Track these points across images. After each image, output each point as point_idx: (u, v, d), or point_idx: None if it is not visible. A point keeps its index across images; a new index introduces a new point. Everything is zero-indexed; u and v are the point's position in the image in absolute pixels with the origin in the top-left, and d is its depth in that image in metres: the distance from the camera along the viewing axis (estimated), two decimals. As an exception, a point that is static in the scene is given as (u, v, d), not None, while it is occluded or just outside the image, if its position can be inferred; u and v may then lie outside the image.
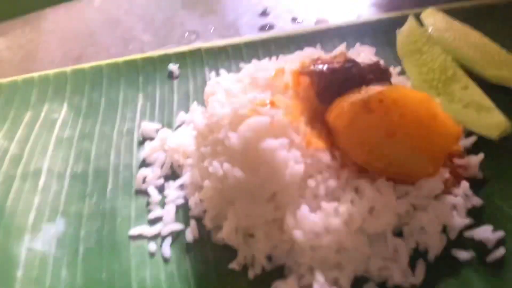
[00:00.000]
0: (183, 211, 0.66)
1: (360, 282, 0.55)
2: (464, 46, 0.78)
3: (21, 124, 0.82)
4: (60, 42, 1.05)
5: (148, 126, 0.78)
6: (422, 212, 0.57)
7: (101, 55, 0.97)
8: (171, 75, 0.89)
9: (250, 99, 0.60)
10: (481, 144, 0.66)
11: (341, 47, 0.75)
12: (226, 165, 0.57)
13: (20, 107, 0.85)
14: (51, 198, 0.69)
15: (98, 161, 0.75)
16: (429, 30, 0.82)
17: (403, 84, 0.73)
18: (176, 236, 0.63)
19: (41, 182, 0.71)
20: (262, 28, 1.01)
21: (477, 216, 0.60)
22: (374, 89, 0.57)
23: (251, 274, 0.57)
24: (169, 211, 0.65)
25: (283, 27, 1.00)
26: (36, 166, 0.74)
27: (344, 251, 0.55)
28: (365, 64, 0.64)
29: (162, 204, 0.67)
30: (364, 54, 0.74)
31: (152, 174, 0.70)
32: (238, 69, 0.80)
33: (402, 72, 0.79)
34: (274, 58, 0.72)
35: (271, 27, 1.01)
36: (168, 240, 0.62)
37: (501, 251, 0.55)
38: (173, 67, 0.89)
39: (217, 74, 0.81)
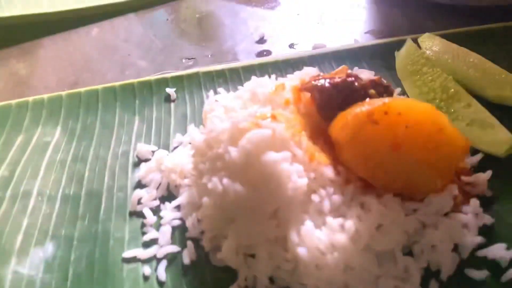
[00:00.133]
0: (179, 233, 0.62)
1: (369, 304, 0.51)
2: (463, 67, 0.78)
3: (12, 147, 0.79)
4: (55, 69, 1.04)
5: (144, 148, 0.75)
6: (432, 230, 0.54)
7: (97, 81, 0.95)
8: (168, 99, 0.87)
9: (250, 113, 0.59)
10: (487, 162, 0.64)
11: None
12: (226, 181, 0.54)
13: (13, 131, 0.83)
14: (40, 221, 0.66)
15: (92, 184, 0.72)
16: (428, 52, 0.82)
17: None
18: (172, 258, 0.60)
19: (30, 205, 0.68)
20: (260, 54, 1.01)
21: (488, 234, 0.57)
22: (378, 101, 0.55)
23: (252, 297, 0.53)
24: (165, 233, 0.61)
25: (280, 52, 1.00)
26: (25, 188, 0.71)
27: (351, 270, 0.52)
28: (367, 80, 0.63)
29: (158, 226, 0.64)
30: (364, 75, 0.74)
31: (147, 195, 0.67)
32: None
33: (402, 93, 0.78)
34: (273, 76, 0.70)
35: (268, 53, 1.01)
36: (164, 263, 0.59)
37: (516, 270, 0.52)
38: (170, 90, 0.88)
39: (216, 93, 0.80)
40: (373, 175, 0.55)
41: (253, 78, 0.68)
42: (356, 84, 0.61)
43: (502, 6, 0.97)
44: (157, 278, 0.57)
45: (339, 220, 0.52)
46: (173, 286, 0.57)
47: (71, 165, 0.75)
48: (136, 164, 0.74)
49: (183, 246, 0.60)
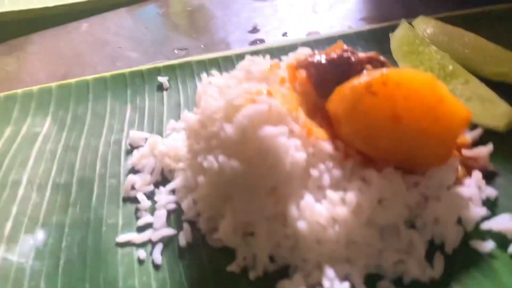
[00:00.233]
0: (175, 216, 0.61)
1: (373, 280, 0.49)
2: (459, 46, 0.77)
3: (1, 138, 0.77)
4: (45, 64, 1.02)
5: (136, 135, 0.73)
6: (434, 203, 0.53)
7: (88, 73, 0.93)
8: (160, 88, 0.86)
9: (245, 89, 0.57)
10: (488, 137, 0.63)
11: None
12: (222, 158, 0.52)
13: (1, 122, 0.81)
14: (30, 209, 0.64)
15: (83, 172, 0.70)
16: (423, 33, 0.81)
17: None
18: (168, 241, 0.58)
19: (20, 193, 0.66)
20: (253, 43, 0.99)
21: (493, 207, 0.56)
22: (376, 72, 0.54)
23: (252, 275, 0.51)
24: (160, 216, 0.59)
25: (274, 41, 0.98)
26: (14, 178, 0.68)
27: (354, 245, 0.50)
28: (363, 56, 0.62)
29: (152, 210, 0.62)
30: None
31: (141, 181, 0.65)
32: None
33: (398, 74, 0.77)
34: (268, 57, 0.69)
35: (261, 42, 0.99)
36: (159, 246, 0.57)
37: (524, 241, 0.51)
38: (162, 79, 0.86)
39: (209, 75, 0.78)
40: (373, 148, 0.54)
41: (247, 57, 0.66)
42: (352, 59, 0.60)
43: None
44: (152, 261, 0.55)
45: (340, 193, 0.51)
46: (169, 269, 0.54)
47: (62, 154, 0.73)
48: (129, 152, 0.72)
49: (179, 229, 0.58)
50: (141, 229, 0.60)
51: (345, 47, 0.62)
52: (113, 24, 1.15)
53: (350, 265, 0.49)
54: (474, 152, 0.60)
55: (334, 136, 0.57)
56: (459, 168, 0.58)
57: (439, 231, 0.52)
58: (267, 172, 0.51)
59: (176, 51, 1.00)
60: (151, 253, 0.56)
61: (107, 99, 0.84)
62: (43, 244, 0.59)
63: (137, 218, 0.61)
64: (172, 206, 0.61)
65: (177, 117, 0.77)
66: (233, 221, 0.53)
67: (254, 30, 1.04)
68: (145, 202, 0.62)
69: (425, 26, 0.85)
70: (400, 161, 0.54)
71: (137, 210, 0.62)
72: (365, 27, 0.95)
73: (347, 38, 0.91)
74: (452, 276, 0.49)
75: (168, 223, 0.60)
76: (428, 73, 0.54)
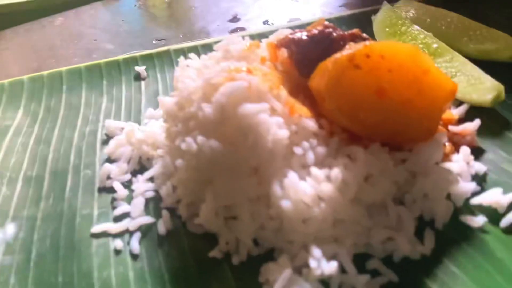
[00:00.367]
0: (153, 204, 0.58)
1: (362, 260, 0.47)
2: (442, 26, 0.76)
3: (-31, 132, 0.73)
4: (18, 58, 0.99)
5: (113, 124, 0.70)
6: (423, 179, 0.51)
7: (62, 66, 0.90)
8: (138, 77, 0.83)
9: (223, 68, 0.54)
10: (475, 114, 0.62)
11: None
12: (201, 138, 0.50)
13: (-30, 117, 0.77)
14: (0, 203, 0.60)
15: (56, 164, 0.66)
16: (405, 14, 0.80)
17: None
18: (147, 230, 0.55)
19: (-12, 187, 0.62)
20: (233, 32, 0.97)
21: (482, 182, 0.54)
22: (359, 44, 0.52)
23: (235, 260, 0.48)
24: (137, 205, 0.56)
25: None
26: (-17, 171, 0.65)
27: (341, 223, 0.48)
28: (346, 33, 0.60)
29: (130, 200, 0.58)
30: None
31: (117, 170, 0.62)
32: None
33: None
34: (247, 38, 0.66)
35: (242, 30, 0.97)
36: (137, 235, 0.54)
37: (515, 214, 0.49)
38: (140, 68, 0.83)
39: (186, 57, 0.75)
40: (358, 123, 0.51)
41: (225, 36, 0.63)
42: (334, 34, 0.58)
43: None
44: (130, 251, 0.52)
45: (325, 170, 0.48)
46: (148, 258, 0.51)
47: (34, 147, 0.70)
48: (105, 142, 0.69)
49: (158, 217, 0.55)
50: (117, 219, 0.56)
51: (326, 23, 0.59)
52: (89, 17, 1.12)
53: (338, 245, 0.46)
54: (461, 128, 0.59)
55: (318, 115, 0.55)
56: (447, 144, 0.57)
57: (428, 207, 0.50)
58: (248, 151, 0.49)
59: (154, 42, 0.97)
60: (128, 243, 0.53)
61: (82, 91, 0.81)
62: (13, 238, 0.55)
63: (114, 208, 0.58)
64: (151, 194, 0.58)
65: (156, 106, 0.74)
66: (214, 205, 0.50)
67: (235, 19, 1.02)
68: (121, 191, 0.59)
69: (407, 8, 0.84)
70: (386, 137, 0.52)
71: (113, 199, 0.59)
72: (346, 12, 0.93)
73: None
74: (444, 252, 0.47)
75: (147, 211, 0.57)
76: (412, 45, 0.52)
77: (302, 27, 0.86)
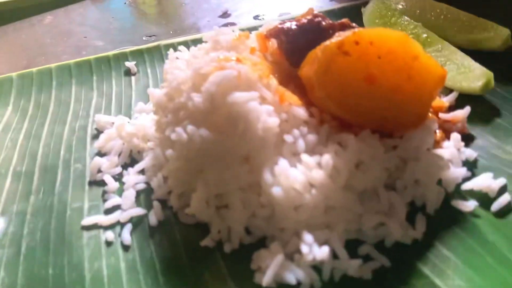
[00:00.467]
0: (145, 196, 0.57)
1: (354, 246, 0.47)
2: (432, 17, 0.76)
3: (-43, 130, 0.72)
4: (7, 56, 0.98)
5: (103, 119, 0.70)
6: (414, 164, 0.51)
7: (51, 63, 0.89)
8: (128, 73, 0.82)
9: (212, 58, 0.54)
10: (465, 102, 0.62)
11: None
12: (191, 128, 0.49)
13: (-42, 114, 0.76)
14: (-12, 198, 0.59)
15: (46, 159, 0.66)
16: (395, 6, 0.80)
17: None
18: (138, 222, 0.54)
19: (-23, 183, 0.61)
20: (224, 26, 0.96)
21: (473, 168, 0.54)
22: (348, 32, 0.52)
23: (227, 248, 0.48)
24: (128, 197, 0.56)
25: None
26: (-28, 167, 0.64)
27: (332, 210, 0.47)
28: (336, 22, 0.60)
29: (121, 192, 0.58)
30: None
31: (108, 163, 0.61)
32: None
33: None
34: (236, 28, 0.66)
35: (233, 25, 0.97)
36: (128, 227, 0.53)
37: (506, 198, 0.49)
38: (130, 64, 0.83)
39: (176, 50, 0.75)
40: (348, 110, 0.51)
41: (214, 27, 0.63)
42: (323, 23, 0.58)
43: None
44: (121, 242, 0.52)
45: (316, 157, 0.48)
46: (139, 248, 0.51)
47: (23, 143, 0.69)
48: (95, 136, 0.68)
49: (149, 208, 0.55)
50: (108, 211, 0.56)
51: (315, 12, 0.59)
52: (78, 15, 1.12)
53: (330, 231, 0.46)
54: (452, 116, 0.59)
55: (308, 103, 0.55)
56: (437, 131, 0.57)
57: (419, 192, 0.50)
58: (239, 139, 0.48)
59: (144, 38, 0.97)
60: (119, 235, 0.53)
61: (72, 86, 0.81)
62: (3, 233, 0.55)
63: (104, 200, 0.57)
64: (142, 186, 0.58)
65: (146, 100, 0.74)
66: (205, 194, 0.50)
67: (225, 14, 1.01)
68: (112, 184, 0.59)
69: (397, 0, 0.84)
70: (376, 123, 0.52)
71: (104, 193, 0.58)
72: (336, 5, 0.94)
73: (318, 16, 0.89)
74: (435, 236, 0.47)
75: (138, 203, 0.56)
76: (401, 32, 0.52)
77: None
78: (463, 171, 0.52)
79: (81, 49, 0.96)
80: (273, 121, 0.49)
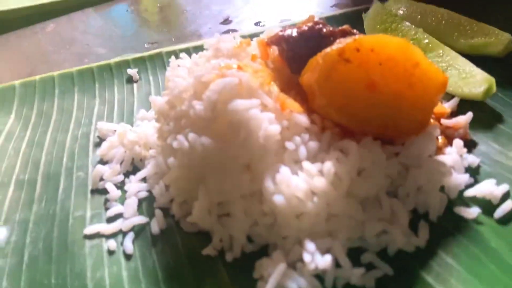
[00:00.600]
0: (147, 204, 0.57)
1: (357, 254, 0.47)
2: (433, 22, 0.76)
3: (-40, 138, 0.73)
4: (9, 64, 0.98)
5: (105, 126, 0.70)
6: (416, 171, 0.51)
7: (54, 71, 0.89)
8: (130, 80, 0.83)
9: (214, 65, 0.54)
10: (467, 108, 0.62)
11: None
12: (192, 135, 0.49)
13: (-39, 123, 0.76)
14: (-9, 207, 0.59)
15: (49, 167, 0.66)
16: (396, 11, 0.80)
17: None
18: (140, 230, 0.54)
19: (-20, 191, 0.62)
20: (225, 33, 0.97)
21: (476, 175, 0.54)
22: (349, 38, 0.52)
23: (229, 257, 0.48)
24: (130, 205, 0.56)
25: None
26: (-26, 177, 0.64)
27: (334, 218, 0.47)
28: (336, 29, 0.60)
29: (123, 201, 0.58)
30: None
31: (110, 171, 0.61)
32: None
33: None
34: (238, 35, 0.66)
35: (234, 32, 0.97)
36: (130, 235, 0.53)
37: (509, 204, 0.49)
38: (132, 71, 0.83)
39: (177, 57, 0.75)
40: (350, 117, 0.51)
41: (216, 34, 0.63)
42: (324, 30, 0.58)
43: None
44: (123, 251, 0.52)
45: (317, 165, 0.48)
46: (141, 257, 0.51)
47: (26, 151, 0.69)
48: (98, 144, 0.69)
49: (151, 216, 0.55)
50: (110, 219, 0.56)
51: (316, 19, 0.59)
52: (81, 23, 1.12)
53: (332, 239, 0.46)
54: (454, 122, 0.59)
55: (309, 110, 0.55)
56: (440, 137, 0.57)
57: (422, 199, 0.50)
58: (240, 147, 0.48)
59: (146, 45, 0.97)
60: (121, 243, 0.53)
61: (74, 94, 0.81)
62: (5, 242, 0.55)
63: (106, 209, 0.57)
64: (144, 194, 0.58)
65: (148, 108, 0.74)
66: (207, 202, 0.50)
67: (226, 21, 1.02)
68: (114, 192, 0.59)
69: (398, 6, 0.84)
70: (378, 130, 0.52)
71: (106, 201, 0.59)
72: (337, 11, 0.94)
73: (320, 22, 0.89)
74: (438, 244, 0.47)
75: (140, 211, 0.56)
76: (402, 38, 0.52)
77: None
78: (465, 178, 0.52)
79: (84, 56, 0.96)
80: (274, 129, 0.49)
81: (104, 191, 0.60)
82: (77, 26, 1.11)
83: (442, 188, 0.52)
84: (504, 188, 0.50)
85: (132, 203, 0.56)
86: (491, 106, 0.64)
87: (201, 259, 0.49)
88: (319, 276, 0.44)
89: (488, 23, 0.72)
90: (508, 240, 0.46)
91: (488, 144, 0.58)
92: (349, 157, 0.49)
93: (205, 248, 0.50)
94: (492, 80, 0.61)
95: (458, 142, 0.55)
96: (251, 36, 0.87)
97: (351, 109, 0.51)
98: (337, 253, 0.45)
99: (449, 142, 0.57)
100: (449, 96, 0.64)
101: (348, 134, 0.52)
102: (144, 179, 0.60)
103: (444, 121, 0.59)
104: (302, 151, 0.49)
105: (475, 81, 0.62)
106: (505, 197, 0.50)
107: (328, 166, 0.47)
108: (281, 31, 0.60)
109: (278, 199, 0.46)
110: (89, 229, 0.54)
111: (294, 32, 0.58)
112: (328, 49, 0.52)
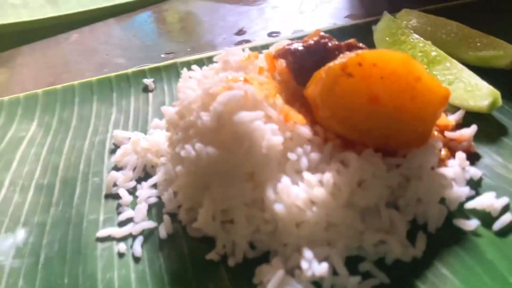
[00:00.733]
0: (156, 209, 0.60)
1: (355, 262, 0.48)
2: (442, 35, 0.77)
3: (-14, 143, 0.77)
4: (34, 73, 1.03)
5: (120, 134, 0.73)
6: (417, 183, 0.52)
7: (75, 80, 0.93)
8: (146, 90, 0.86)
9: (221, 78, 0.57)
10: (472, 120, 0.62)
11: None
12: (199, 145, 0.52)
13: (-13, 129, 0.81)
14: (12, 209, 0.63)
15: (67, 172, 0.69)
16: (405, 24, 0.81)
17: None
18: (149, 234, 0.57)
19: (1, 195, 0.65)
20: (239, 44, 1.00)
21: (477, 188, 0.55)
22: (352, 53, 0.54)
23: (231, 262, 0.50)
24: (140, 210, 0.59)
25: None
26: (-3, 179, 0.68)
27: (334, 227, 0.49)
28: (342, 43, 0.62)
29: (134, 205, 0.61)
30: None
31: (123, 177, 0.64)
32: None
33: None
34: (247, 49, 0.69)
35: (247, 42, 0.99)
36: (139, 239, 0.56)
37: (508, 217, 0.50)
38: (148, 81, 0.86)
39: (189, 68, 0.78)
40: (351, 129, 0.53)
41: (225, 48, 0.66)
42: (329, 44, 0.60)
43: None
44: (132, 254, 0.54)
45: (318, 175, 0.50)
46: (149, 260, 0.53)
47: (46, 156, 0.73)
48: (113, 151, 0.72)
49: (160, 221, 0.57)
50: (122, 223, 0.59)
51: (322, 33, 0.61)
52: (102, 34, 1.16)
53: (330, 247, 0.48)
54: (458, 134, 0.60)
55: (313, 122, 0.56)
56: (443, 150, 0.58)
57: (421, 211, 0.51)
58: (244, 157, 0.51)
59: (163, 55, 1.00)
60: (131, 246, 0.55)
61: (93, 103, 0.84)
62: (23, 243, 0.58)
63: (119, 213, 0.60)
64: (153, 200, 0.61)
65: (162, 117, 0.76)
66: (212, 209, 0.52)
67: (241, 32, 1.04)
68: (126, 198, 0.61)
69: (409, 18, 0.85)
70: (379, 142, 0.53)
71: (118, 205, 0.61)
72: (349, 22, 0.95)
73: (331, 33, 0.89)
74: (435, 255, 0.48)
75: (149, 216, 0.59)
76: (405, 53, 0.54)
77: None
78: (466, 190, 0.53)
79: (104, 66, 1.00)
80: (277, 140, 0.51)
81: (117, 196, 0.63)
82: (99, 36, 1.15)
83: (443, 200, 0.52)
84: (504, 201, 0.51)
85: (142, 208, 0.59)
86: (497, 118, 0.64)
87: (204, 264, 0.51)
88: (317, 283, 0.46)
89: (497, 36, 0.73)
90: (505, 252, 0.47)
91: (492, 157, 0.59)
92: (349, 168, 0.50)
93: (209, 253, 0.52)
94: (497, 93, 0.61)
95: (460, 155, 0.56)
96: (263, 47, 0.90)
97: (353, 121, 0.53)
98: (334, 261, 0.46)
99: (453, 155, 0.58)
100: (454, 109, 0.64)
101: (350, 145, 0.54)
102: (154, 185, 0.63)
103: (448, 134, 0.60)
104: (304, 161, 0.51)
105: (480, 94, 0.63)
106: (504, 209, 0.51)
107: (327, 177, 0.49)
108: (288, 44, 0.62)
109: (278, 207, 0.48)
110: (101, 232, 0.57)
111: (300, 46, 0.60)
112: (331, 63, 0.53)
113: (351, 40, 0.62)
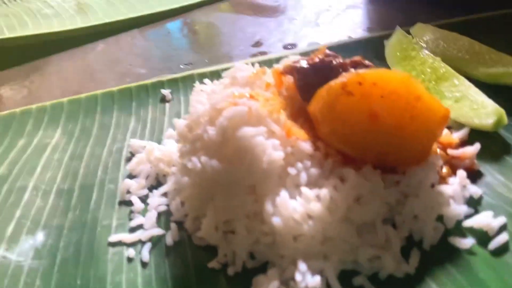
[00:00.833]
0: (165, 217, 0.63)
1: (349, 276, 0.50)
2: (454, 50, 0.78)
3: (13, 149, 0.82)
4: (60, 81, 1.08)
5: (137, 143, 0.77)
6: (414, 200, 0.53)
7: (99, 89, 0.98)
8: (163, 100, 0.89)
9: (228, 94, 0.59)
10: (477, 137, 0.63)
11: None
12: (204, 158, 0.55)
13: (15, 135, 0.86)
14: (33, 213, 0.67)
15: (85, 178, 0.73)
16: (417, 39, 0.82)
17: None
18: (157, 241, 0.60)
19: (24, 198, 0.70)
20: (255, 56, 1.02)
21: (477, 206, 0.55)
22: (352, 73, 0.55)
23: (230, 271, 0.53)
24: (150, 217, 0.62)
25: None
26: (21, 184, 0.73)
27: (330, 241, 0.51)
28: (348, 60, 0.63)
29: (145, 213, 0.64)
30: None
31: (136, 185, 0.68)
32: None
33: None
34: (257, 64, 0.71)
35: (263, 54, 1.02)
36: (148, 245, 0.59)
37: (504, 237, 0.50)
38: (165, 91, 0.90)
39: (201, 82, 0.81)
40: (351, 146, 0.55)
41: (235, 64, 0.69)
42: (334, 63, 0.62)
43: None
44: (140, 259, 0.58)
45: (315, 190, 0.52)
46: (155, 266, 0.56)
47: (68, 162, 0.77)
48: (129, 159, 0.75)
49: (168, 229, 0.60)
50: (133, 229, 0.62)
51: (327, 52, 0.63)
52: (126, 44, 1.21)
53: (325, 261, 0.49)
54: (461, 152, 0.60)
55: (316, 137, 0.58)
56: (444, 167, 0.59)
57: (417, 227, 0.52)
58: (246, 170, 0.53)
59: (181, 66, 1.04)
60: (140, 252, 0.59)
61: (114, 112, 0.89)
62: (42, 245, 0.62)
63: (130, 219, 0.63)
64: (163, 208, 0.64)
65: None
66: (215, 219, 0.54)
67: (257, 43, 1.07)
68: (138, 205, 0.65)
69: (423, 32, 0.86)
70: (379, 159, 0.54)
71: (130, 212, 0.65)
72: (364, 36, 0.96)
73: (345, 47, 0.93)
74: (428, 271, 0.49)
75: (158, 224, 0.62)
76: (404, 72, 0.55)
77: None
78: (463, 209, 0.53)
79: (126, 76, 1.04)
80: (278, 155, 0.53)
81: (130, 203, 0.66)
82: (123, 46, 1.20)
83: (440, 218, 0.53)
84: (501, 220, 0.51)
85: (152, 216, 0.62)
86: (503, 137, 0.64)
87: (206, 271, 0.54)
88: (311, 295, 0.48)
89: (508, 53, 0.73)
90: (498, 271, 0.47)
91: (494, 175, 0.59)
92: (346, 184, 0.52)
93: (211, 261, 0.54)
94: (502, 112, 0.62)
95: (461, 173, 0.57)
96: (278, 59, 0.92)
97: (352, 138, 0.54)
98: (328, 275, 0.48)
99: (454, 172, 0.59)
100: (460, 126, 0.65)
101: (350, 161, 0.56)
102: (165, 194, 0.66)
103: (450, 151, 0.60)
104: (303, 176, 0.53)
105: (486, 112, 0.63)
106: (501, 229, 0.51)
107: (324, 192, 0.51)
108: (295, 62, 0.64)
109: (276, 220, 0.50)
110: (113, 238, 0.61)
111: (305, 64, 0.62)
112: (332, 82, 0.55)
113: (357, 57, 0.64)
